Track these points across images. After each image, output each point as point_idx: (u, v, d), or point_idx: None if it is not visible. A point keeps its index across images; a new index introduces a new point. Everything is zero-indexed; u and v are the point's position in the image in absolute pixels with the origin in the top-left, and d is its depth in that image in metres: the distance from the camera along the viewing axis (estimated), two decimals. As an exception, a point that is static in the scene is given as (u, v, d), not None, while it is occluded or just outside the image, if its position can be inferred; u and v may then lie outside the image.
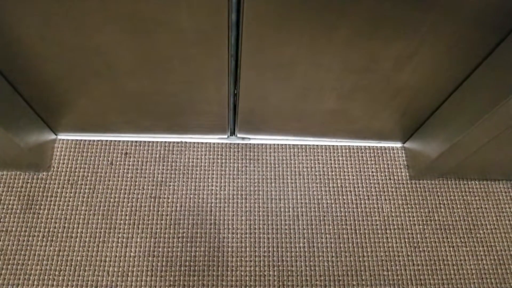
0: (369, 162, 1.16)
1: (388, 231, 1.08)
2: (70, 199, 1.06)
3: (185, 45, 0.74)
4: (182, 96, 0.92)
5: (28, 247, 1.01)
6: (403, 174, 1.15)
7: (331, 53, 0.77)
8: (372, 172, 1.15)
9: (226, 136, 1.15)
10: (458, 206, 1.12)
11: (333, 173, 1.14)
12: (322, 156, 1.16)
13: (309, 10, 0.67)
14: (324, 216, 1.09)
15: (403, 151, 1.18)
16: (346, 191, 1.12)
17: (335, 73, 0.84)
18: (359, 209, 1.10)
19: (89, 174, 1.09)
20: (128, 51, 0.76)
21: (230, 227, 1.06)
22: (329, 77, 0.85)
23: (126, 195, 1.08)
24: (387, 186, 1.13)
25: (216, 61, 0.79)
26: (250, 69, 0.83)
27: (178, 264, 1.02)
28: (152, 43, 0.74)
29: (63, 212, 1.05)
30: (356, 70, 0.83)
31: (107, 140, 1.14)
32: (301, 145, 1.16)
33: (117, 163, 1.11)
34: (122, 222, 1.05)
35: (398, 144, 1.19)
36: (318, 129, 1.11)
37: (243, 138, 1.16)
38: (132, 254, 1.02)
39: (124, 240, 1.03)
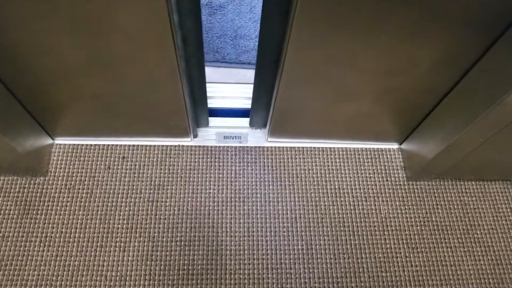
0: (366, 163, 1.16)
1: (386, 232, 1.08)
2: (68, 204, 1.06)
3: (132, 46, 0.75)
4: (141, 96, 0.93)
5: (25, 253, 1.01)
6: (400, 175, 1.15)
7: (372, 57, 0.79)
8: (370, 173, 1.15)
9: (189, 139, 1.15)
10: (455, 206, 1.13)
11: (331, 175, 1.14)
12: (319, 158, 1.16)
13: (356, 15, 0.69)
14: (322, 218, 1.09)
15: (400, 153, 1.19)
16: (344, 193, 1.12)
17: (371, 76, 0.86)
18: (356, 211, 1.10)
19: (87, 179, 1.09)
20: (81, 53, 0.77)
21: (228, 230, 1.06)
22: (365, 80, 0.87)
23: (123, 199, 1.08)
24: (385, 188, 1.14)
25: (166, 62, 0.80)
26: (290, 73, 0.84)
27: (176, 268, 1.01)
28: (102, 45, 0.75)
29: (61, 217, 1.05)
30: (387, 73, 0.85)
31: (104, 144, 1.14)
32: (298, 147, 1.17)
33: (115, 167, 1.11)
34: (119, 226, 1.05)
35: (395, 146, 1.19)
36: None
37: (240, 139, 1.16)
38: (130, 258, 1.02)
39: (122, 244, 1.03)
